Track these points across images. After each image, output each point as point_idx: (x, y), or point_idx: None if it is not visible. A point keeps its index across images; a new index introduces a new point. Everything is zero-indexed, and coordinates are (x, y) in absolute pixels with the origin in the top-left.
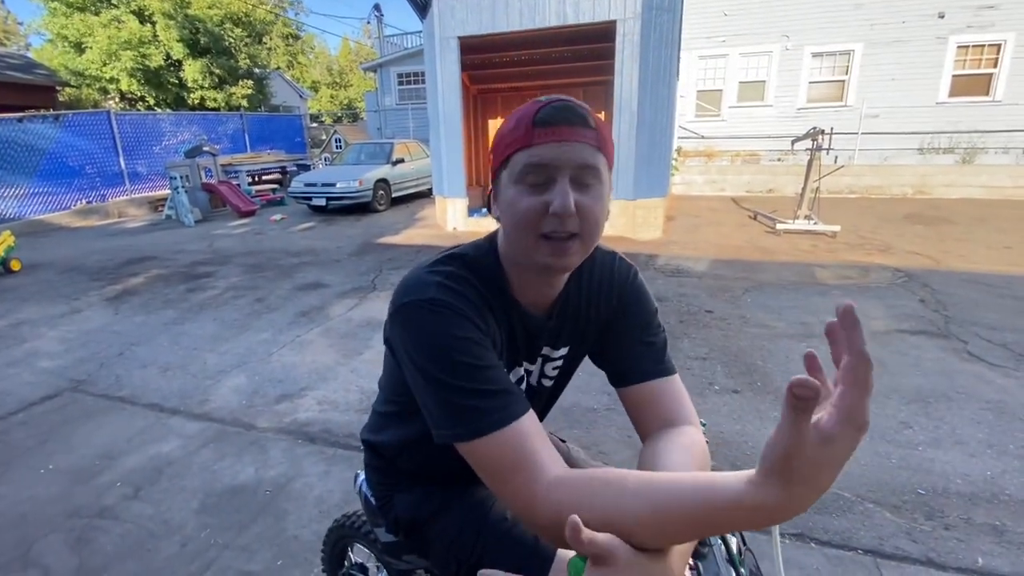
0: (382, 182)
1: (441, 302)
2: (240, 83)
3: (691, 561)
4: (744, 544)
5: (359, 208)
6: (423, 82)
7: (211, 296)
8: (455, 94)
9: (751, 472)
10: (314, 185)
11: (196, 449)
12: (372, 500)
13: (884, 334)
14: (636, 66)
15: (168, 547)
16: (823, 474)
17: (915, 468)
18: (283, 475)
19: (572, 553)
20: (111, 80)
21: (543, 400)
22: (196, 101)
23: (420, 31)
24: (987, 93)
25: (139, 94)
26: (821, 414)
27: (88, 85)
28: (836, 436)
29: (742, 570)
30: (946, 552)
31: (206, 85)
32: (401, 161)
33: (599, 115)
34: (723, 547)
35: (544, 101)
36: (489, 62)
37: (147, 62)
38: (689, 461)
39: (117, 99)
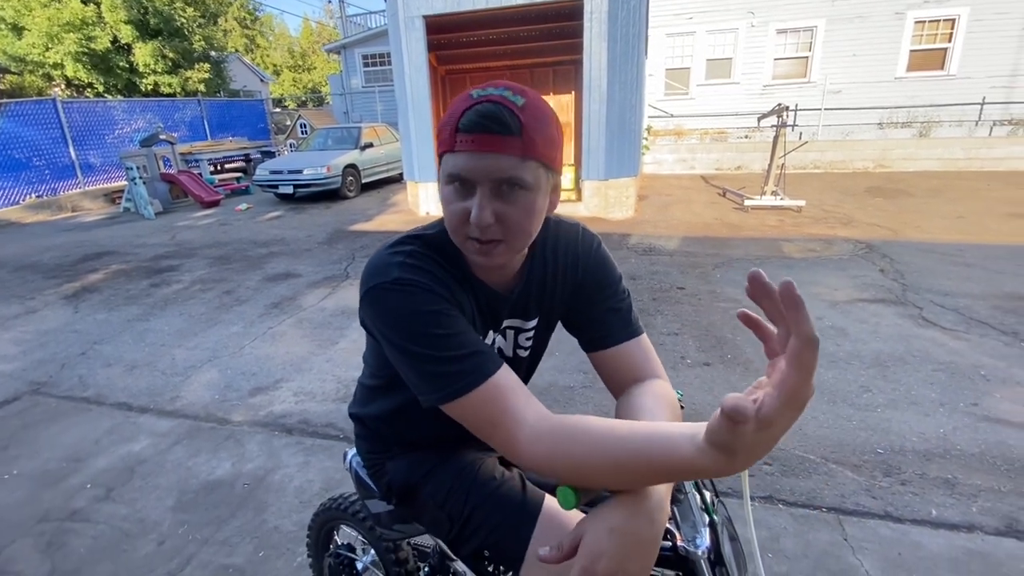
0: (351, 168)
1: (406, 280)
2: (196, 67)
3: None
4: (717, 496)
5: (328, 195)
6: (390, 63)
7: (176, 290)
8: (422, 75)
9: (699, 436)
10: (280, 172)
11: (169, 447)
12: (364, 471)
13: (846, 303)
14: (604, 45)
15: (144, 546)
16: (763, 447)
17: (874, 429)
18: (261, 468)
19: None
20: (55, 66)
21: (522, 371)
22: (149, 87)
23: (384, 10)
24: (942, 67)
25: (86, 80)
26: (761, 394)
27: (31, 71)
28: (776, 420)
29: (715, 517)
30: (903, 506)
31: (159, 69)
32: (370, 146)
33: (542, 99)
34: (697, 496)
35: (474, 99)
36: (456, 42)
37: (93, 46)
38: (657, 405)
39: (63, 86)
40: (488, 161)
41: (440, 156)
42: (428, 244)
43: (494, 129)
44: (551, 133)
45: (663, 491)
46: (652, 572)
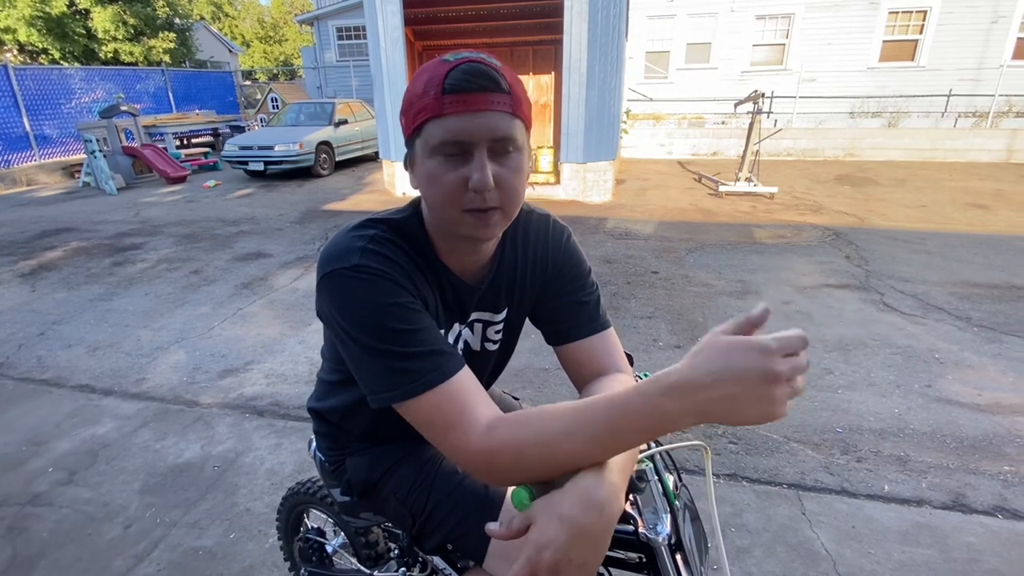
0: (324, 145)
1: (367, 268)
2: (160, 35)
3: (630, 496)
4: (680, 481)
5: (301, 173)
6: (365, 37)
7: (141, 269)
8: (399, 50)
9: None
10: (250, 148)
11: (134, 429)
12: (326, 464)
13: (813, 288)
14: (585, 25)
15: (110, 530)
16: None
17: (834, 409)
18: (232, 450)
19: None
20: (7, 30)
21: (491, 364)
22: (109, 55)
23: None
24: (913, 59)
25: (41, 46)
26: None
27: None
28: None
29: (676, 503)
30: (858, 482)
31: (119, 37)
32: (344, 122)
33: (516, 73)
34: (660, 484)
35: (453, 61)
36: (434, 16)
37: (47, 9)
38: None
39: (15, 52)
40: (485, 120)
41: (417, 129)
42: (394, 229)
43: (486, 87)
44: (527, 94)
45: (617, 482)
46: (617, 555)
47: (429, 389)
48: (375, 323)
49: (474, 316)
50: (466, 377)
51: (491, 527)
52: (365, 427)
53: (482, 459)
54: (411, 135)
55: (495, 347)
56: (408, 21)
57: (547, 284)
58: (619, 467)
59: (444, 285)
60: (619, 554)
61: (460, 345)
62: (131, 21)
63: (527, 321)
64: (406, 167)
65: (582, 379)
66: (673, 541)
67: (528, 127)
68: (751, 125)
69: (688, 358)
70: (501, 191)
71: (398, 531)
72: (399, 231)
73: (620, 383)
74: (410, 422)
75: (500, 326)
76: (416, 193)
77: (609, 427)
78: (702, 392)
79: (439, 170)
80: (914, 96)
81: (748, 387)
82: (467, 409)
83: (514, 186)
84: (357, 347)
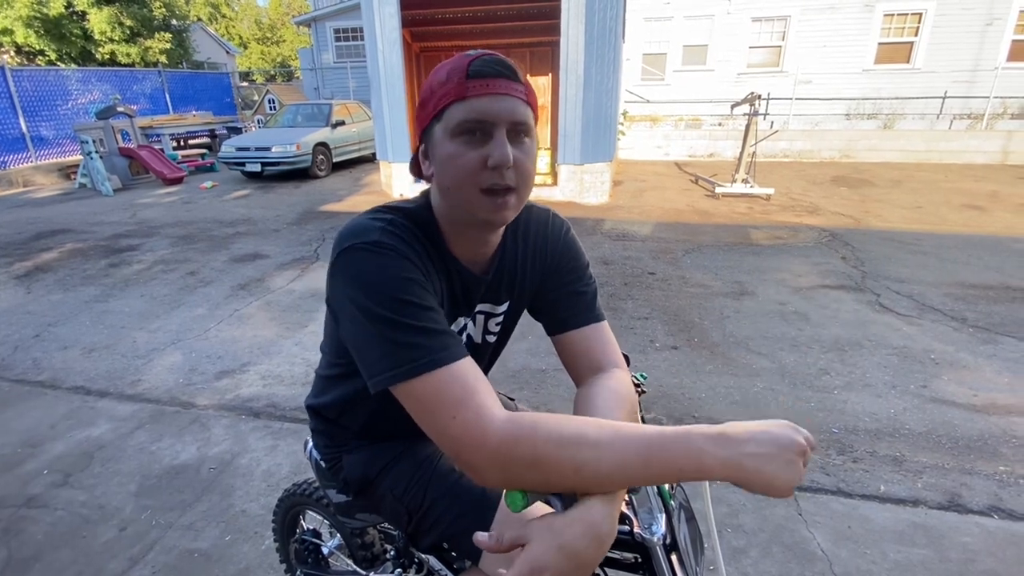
0: (322, 146)
1: (385, 244)
2: (156, 36)
3: (626, 496)
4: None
5: (298, 174)
6: (362, 38)
7: (137, 271)
8: (396, 52)
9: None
10: (247, 149)
11: (130, 431)
12: (322, 463)
13: (809, 289)
14: (582, 27)
15: (105, 532)
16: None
17: (831, 409)
18: (228, 452)
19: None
20: (4, 31)
21: (487, 356)
22: (106, 56)
23: None
24: (908, 61)
25: (38, 47)
26: None
27: None
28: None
29: (672, 503)
30: (854, 482)
31: (116, 38)
32: (342, 123)
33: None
34: (655, 484)
35: (474, 54)
36: (431, 18)
37: (45, 10)
38: (616, 400)
39: (12, 53)
40: (507, 103)
41: (438, 114)
42: (408, 217)
43: (507, 74)
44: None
45: (617, 516)
46: (612, 554)
47: (437, 368)
48: (389, 293)
49: (478, 308)
50: (473, 365)
51: (480, 537)
52: (363, 423)
53: (497, 449)
54: (430, 122)
55: (494, 339)
56: (406, 23)
57: (546, 276)
58: (621, 499)
59: (453, 276)
60: (615, 554)
61: (463, 339)
62: (128, 22)
63: (526, 322)
64: (415, 167)
65: (580, 373)
66: (668, 541)
67: (536, 121)
68: (747, 127)
69: (727, 424)
70: (517, 173)
71: (394, 532)
72: (413, 219)
73: (618, 380)
74: (410, 408)
75: (500, 318)
76: (419, 189)
77: (644, 453)
78: (742, 446)
79: (459, 150)
80: (909, 98)
81: (782, 451)
82: (477, 392)
83: (528, 170)
84: (366, 320)
